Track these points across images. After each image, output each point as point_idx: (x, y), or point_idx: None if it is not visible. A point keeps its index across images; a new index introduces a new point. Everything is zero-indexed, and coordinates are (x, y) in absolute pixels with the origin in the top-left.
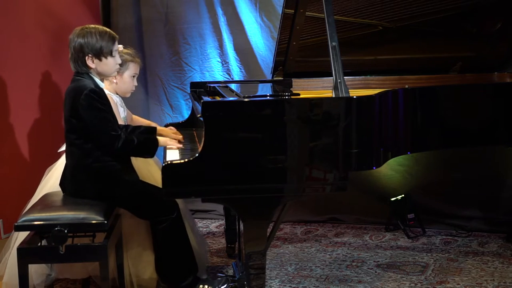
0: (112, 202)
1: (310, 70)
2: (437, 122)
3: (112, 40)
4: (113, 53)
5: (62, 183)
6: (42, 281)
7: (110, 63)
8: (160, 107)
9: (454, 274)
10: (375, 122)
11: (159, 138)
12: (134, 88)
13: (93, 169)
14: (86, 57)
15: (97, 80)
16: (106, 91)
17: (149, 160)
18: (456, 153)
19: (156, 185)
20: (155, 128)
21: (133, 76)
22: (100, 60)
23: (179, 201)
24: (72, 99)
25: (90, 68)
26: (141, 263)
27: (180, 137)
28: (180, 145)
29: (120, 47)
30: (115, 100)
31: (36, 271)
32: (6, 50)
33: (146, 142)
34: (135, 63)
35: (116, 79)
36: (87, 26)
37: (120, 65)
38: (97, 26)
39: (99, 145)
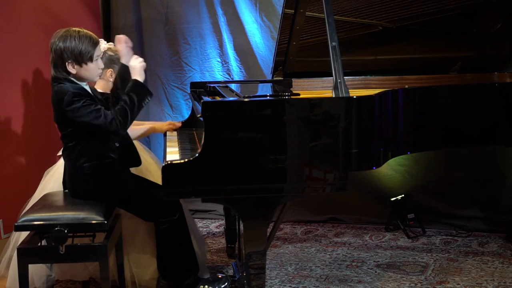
0: (113, 203)
1: (310, 70)
2: (437, 122)
3: (94, 44)
4: (94, 58)
5: (64, 182)
6: (43, 283)
7: (91, 69)
8: (160, 107)
9: (454, 274)
10: (375, 122)
11: (132, 68)
12: None
13: (87, 169)
14: (66, 63)
15: (77, 81)
16: (98, 91)
17: (148, 160)
18: (456, 153)
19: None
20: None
21: None
22: (81, 66)
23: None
24: (55, 106)
25: (70, 73)
26: (142, 263)
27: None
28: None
29: (111, 45)
30: None
31: (37, 273)
32: (6, 50)
33: (134, 91)
34: None
35: (112, 78)
36: (69, 29)
37: (115, 63)
38: (80, 29)
39: (105, 136)
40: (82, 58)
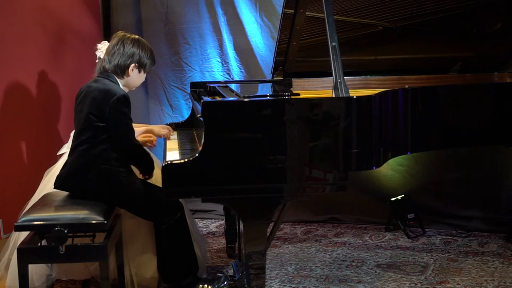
0: (114, 203)
1: (310, 70)
2: (437, 122)
3: (154, 63)
4: (147, 71)
5: (58, 181)
6: (43, 282)
7: (141, 78)
8: (160, 107)
9: (454, 274)
10: (375, 122)
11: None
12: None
13: (101, 171)
14: (132, 65)
15: (122, 87)
16: None
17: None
18: (456, 153)
19: (157, 184)
20: None
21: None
22: (139, 72)
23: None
24: (101, 100)
25: (128, 75)
26: (143, 262)
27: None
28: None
29: None
30: None
31: (37, 272)
32: (6, 50)
33: (148, 158)
34: None
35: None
36: (139, 38)
37: None
38: (146, 41)
39: (118, 150)
40: (144, 68)
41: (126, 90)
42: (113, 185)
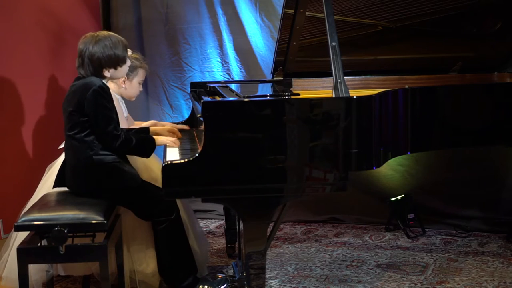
0: (112, 199)
1: (310, 70)
2: (437, 122)
3: (126, 48)
4: (126, 60)
5: (59, 180)
6: (40, 276)
7: (123, 70)
8: (160, 107)
9: (454, 274)
10: (375, 122)
11: (156, 137)
12: (139, 93)
13: (94, 161)
14: (104, 69)
15: (103, 80)
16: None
17: (149, 159)
18: (456, 153)
19: (155, 184)
20: (147, 128)
21: (140, 82)
22: (116, 69)
23: (181, 200)
24: (79, 94)
25: (105, 77)
26: (144, 259)
27: (174, 138)
28: (177, 144)
29: (129, 52)
30: (117, 97)
31: (35, 266)
32: (7, 50)
33: (144, 142)
34: (143, 69)
35: (125, 84)
36: (98, 33)
37: (130, 71)
38: (108, 34)
39: (99, 141)
40: (118, 63)
41: (120, 87)
42: (108, 173)
